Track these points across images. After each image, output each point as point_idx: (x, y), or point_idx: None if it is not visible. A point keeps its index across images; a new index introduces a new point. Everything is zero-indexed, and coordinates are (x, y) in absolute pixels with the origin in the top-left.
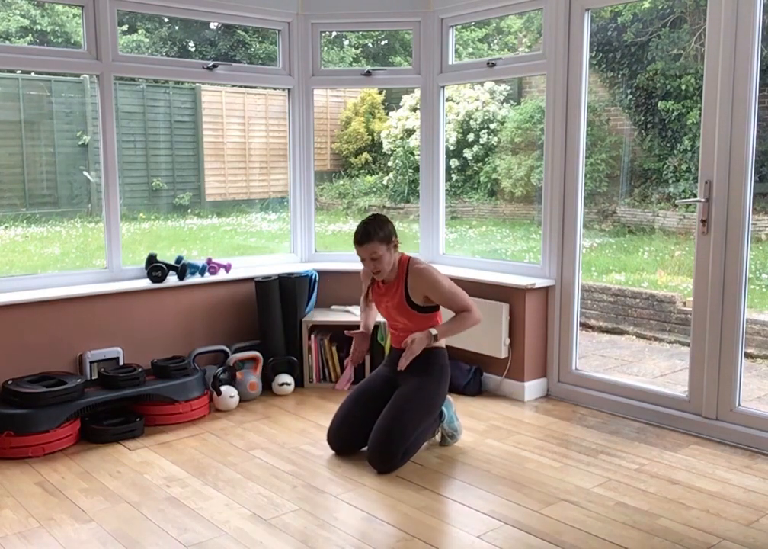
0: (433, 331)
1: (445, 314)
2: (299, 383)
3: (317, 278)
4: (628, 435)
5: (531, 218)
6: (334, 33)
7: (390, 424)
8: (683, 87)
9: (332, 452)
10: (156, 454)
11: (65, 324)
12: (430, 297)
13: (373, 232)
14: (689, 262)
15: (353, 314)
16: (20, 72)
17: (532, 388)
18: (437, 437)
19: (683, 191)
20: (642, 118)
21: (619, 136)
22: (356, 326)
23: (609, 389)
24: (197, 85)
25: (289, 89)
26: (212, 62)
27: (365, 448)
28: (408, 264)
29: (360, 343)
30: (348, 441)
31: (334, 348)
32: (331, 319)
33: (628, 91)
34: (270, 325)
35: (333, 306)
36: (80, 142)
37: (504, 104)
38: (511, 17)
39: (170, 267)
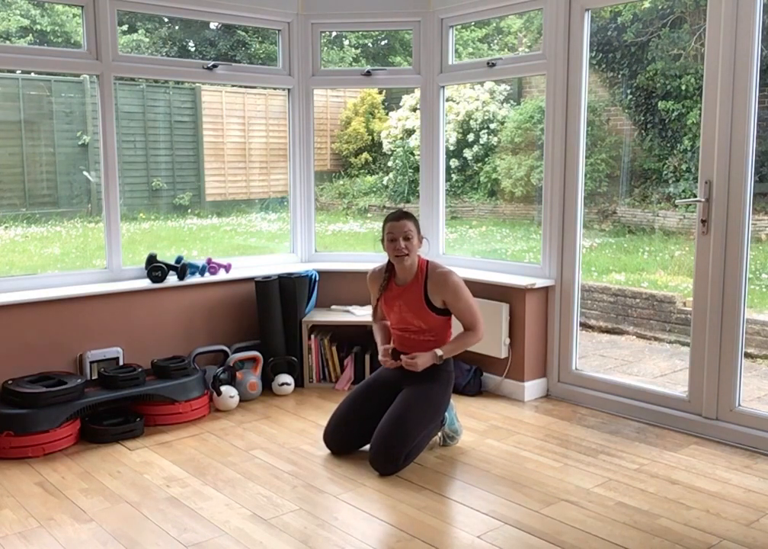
0: (439, 352)
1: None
2: (299, 383)
3: (317, 278)
4: (628, 435)
5: (531, 218)
6: (334, 33)
7: (394, 427)
8: (683, 87)
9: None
10: (156, 454)
11: (65, 324)
12: (447, 303)
13: (410, 214)
14: (689, 262)
15: (353, 314)
16: (20, 72)
17: (532, 388)
18: (438, 438)
19: (683, 191)
20: (642, 118)
21: (619, 136)
22: (356, 327)
23: (609, 389)
24: (197, 85)
25: (289, 89)
26: (212, 62)
27: (364, 448)
28: (427, 267)
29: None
30: (344, 441)
31: (334, 348)
32: (331, 319)
33: (628, 91)
34: (270, 325)
35: (333, 306)
36: (80, 142)
37: (504, 104)
38: (511, 17)
39: (170, 267)
